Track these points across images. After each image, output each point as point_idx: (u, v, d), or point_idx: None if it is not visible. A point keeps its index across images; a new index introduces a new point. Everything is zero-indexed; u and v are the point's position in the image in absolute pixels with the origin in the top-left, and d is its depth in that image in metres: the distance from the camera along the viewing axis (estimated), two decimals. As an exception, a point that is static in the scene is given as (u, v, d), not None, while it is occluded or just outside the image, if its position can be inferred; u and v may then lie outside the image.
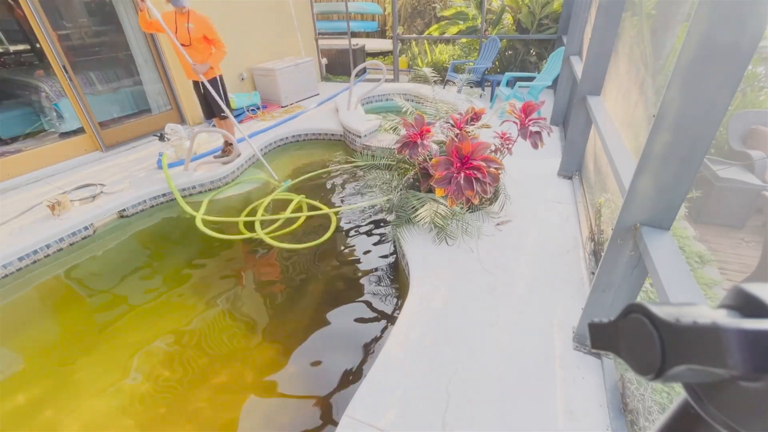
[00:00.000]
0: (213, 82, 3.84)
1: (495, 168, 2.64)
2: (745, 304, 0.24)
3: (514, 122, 2.84)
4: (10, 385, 2.13)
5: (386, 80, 6.07)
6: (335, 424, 1.55)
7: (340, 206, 3.47)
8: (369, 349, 2.22)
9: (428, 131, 2.70)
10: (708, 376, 0.24)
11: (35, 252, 2.92)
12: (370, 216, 3.43)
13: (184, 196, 3.75)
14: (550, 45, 6.22)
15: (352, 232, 3.30)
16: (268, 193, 3.83)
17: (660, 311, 0.26)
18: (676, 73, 1.13)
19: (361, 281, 2.72)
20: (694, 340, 0.24)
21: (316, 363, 2.19)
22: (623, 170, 1.71)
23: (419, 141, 2.66)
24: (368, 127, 4.57)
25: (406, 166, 3.22)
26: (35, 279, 2.87)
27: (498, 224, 2.76)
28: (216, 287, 2.73)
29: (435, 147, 2.74)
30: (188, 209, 3.42)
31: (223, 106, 3.91)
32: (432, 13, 8.89)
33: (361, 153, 4.51)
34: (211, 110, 4.05)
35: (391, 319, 2.39)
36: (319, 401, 1.96)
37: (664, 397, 1.44)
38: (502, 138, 2.91)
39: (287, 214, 3.34)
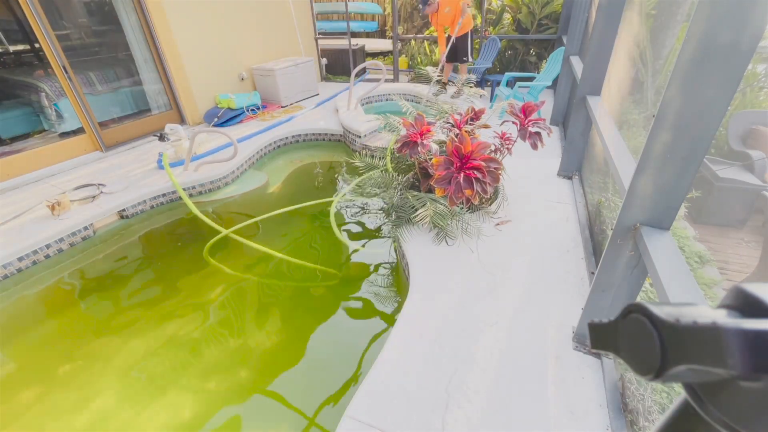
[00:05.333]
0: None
1: (495, 168, 2.64)
2: (745, 304, 0.24)
3: (513, 123, 2.84)
4: (6, 386, 2.13)
5: (386, 80, 6.07)
6: (335, 424, 1.55)
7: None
8: (369, 349, 2.22)
9: (428, 131, 2.70)
10: (708, 376, 0.24)
11: (35, 252, 2.92)
12: (364, 211, 3.43)
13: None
14: (550, 45, 6.22)
15: (352, 233, 3.30)
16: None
17: (660, 311, 0.26)
18: (676, 73, 1.13)
19: (361, 282, 2.72)
20: (694, 340, 0.24)
21: (316, 363, 2.19)
22: (623, 170, 1.70)
23: (419, 141, 2.66)
24: (368, 128, 4.57)
25: (404, 167, 3.22)
26: (35, 279, 2.87)
27: (498, 224, 2.76)
28: (215, 289, 2.73)
29: (435, 147, 2.74)
30: (193, 207, 3.39)
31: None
32: (432, 13, 8.87)
33: (360, 153, 4.52)
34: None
35: (390, 319, 2.39)
36: (319, 401, 1.96)
37: (664, 397, 1.44)
38: (501, 138, 2.91)
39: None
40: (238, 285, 2.79)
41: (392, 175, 3.13)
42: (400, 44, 7.85)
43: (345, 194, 3.57)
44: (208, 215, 3.43)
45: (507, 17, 6.81)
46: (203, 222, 3.43)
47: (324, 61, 7.83)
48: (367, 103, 6.17)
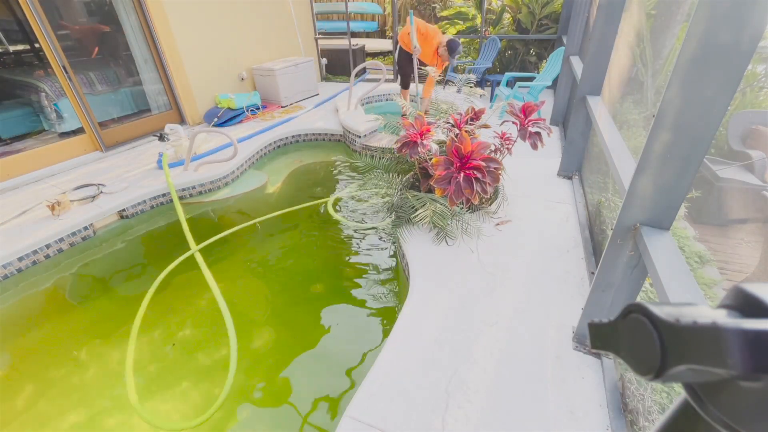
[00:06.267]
0: None
1: (494, 168, 2.64)
2: (745, 304, 0.24)
3: (513, 123, 2.84)
4: (6, 387, 2.13)
5: (386, 80, 6.07)
6: (335, 424, 1.55)
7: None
8: (369, 349, 2.22)
9: (428, 131, 2.70)
10: (708, 376, 0.24)
11: (35, 252, 2.92)
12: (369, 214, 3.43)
13: (183, 197, 3.75)
14: (550, 45, 6.22)
15: (352, 233, 3.30)
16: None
17: (660, 311, 0.26)
18: (676, 73, 1.12)
19: (361, 282, 2.72)
20: (694, 340, 0.24)
21: (316, 363, 2.19)
22: (623, 170, 1.71)
23: (419, 141, 2.66)
24: (368, 128, 4.57)
25: (405, 166, 3.22)
26: (35, 280, 2.86)
27: (498, 224, 2.76)
28: (214, 289, 2.73)
29: (435, 147, 2.74)
30: (181, 213, 3.40)
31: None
32: (431, 12, 8.89)
33: (360, 153, 4.52)
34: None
35: (390, 319, 2.39)
36: (319, 401, 1.96)
37: (664, 397, 1.44)
38: (501, 138, 2.91)
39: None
40: (237, 284, 2.79)
41: (392, 175, 3.13)
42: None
43: (341, 197, 3.60)
44: (204, 218, 3.43)
45: (507, 17, 6.81)
46: (204, 221, 3.42)
47: (324, 61, 7.83)
48: (367, 103, 6.17)
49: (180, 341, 2.33)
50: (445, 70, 5.95)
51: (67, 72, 4.05)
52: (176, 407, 1.97)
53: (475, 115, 3.01)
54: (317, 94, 6.62)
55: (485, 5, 6.32)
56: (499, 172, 2.75)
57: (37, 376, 2.17)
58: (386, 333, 2.29)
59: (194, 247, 3.04)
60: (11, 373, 2.22)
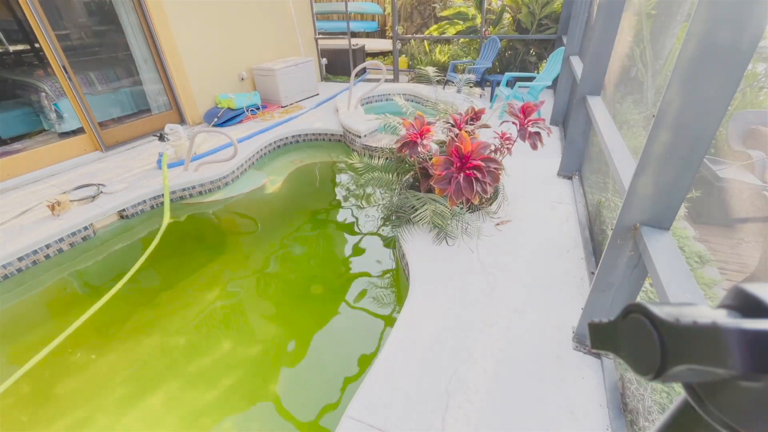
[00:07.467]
0: None
1: (495, 168, 2.64)
2: (745, 304, 0.24)
3: (513, 123, 2.84)
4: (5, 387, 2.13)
5: (386, 80, 6.07)
6: (335, 424, 1.55)
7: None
8: (369, 349, 2.22)
9: (428, 131, 2.70)
10: (708, 376, 0.24)
11: (35, 252, 2.91)
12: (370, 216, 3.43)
13: (183, 197, 3.75)
14: (550, 45, 6.23)
15: (352, 233, 3.30)
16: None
17: (660, 311, 0.26)
18: (676, 73, 1.12)
19: (361, 282, 2.72)
20: (694, 340, 0.24)
21: (316, 363, 2.19)
22: (623, 170, 1.71)
23: (419, 140, 2.66)
24: (368, 128, 4.57)
25: (405, 166, 3.22)
26: (36, 280, 2.86)
27: (498, 224, 2.76)
28: (214, 290, 2.73)
29: (435, 147, 2.74)
30: (166, 215, 3.38)
31: None
32: (431, 12, 8.89)
33: (359, 153, 4.51)
34: None
35: (390, 319, 2.39)
36: (319, 401, 1.96)
37: (664, 397, 1.44)
38: (501, 138, 2.91)
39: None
40: (237, 286, 2.79)
41: (391, 176, 3.12)
42: (400, 44, 7.85)
43: None
44: (203, 219, 3.43)
45: (507, 17, 6.81)
46: (204, 221, 3.42)
47: (324, 61, 7.83)
48: (367, 103, 6.17)
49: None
50: None
51: (67, 72, 4.05)
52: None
53: (475, 115, 3.01)
54: (317, 94, 6.62)
55: (485, 5, 6.32)
56: (499, 172, 2.75)
57: (37, 376, 2.17)
58: (386, 333, 2.29)
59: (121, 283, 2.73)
60: (8, 373, 2.22)
